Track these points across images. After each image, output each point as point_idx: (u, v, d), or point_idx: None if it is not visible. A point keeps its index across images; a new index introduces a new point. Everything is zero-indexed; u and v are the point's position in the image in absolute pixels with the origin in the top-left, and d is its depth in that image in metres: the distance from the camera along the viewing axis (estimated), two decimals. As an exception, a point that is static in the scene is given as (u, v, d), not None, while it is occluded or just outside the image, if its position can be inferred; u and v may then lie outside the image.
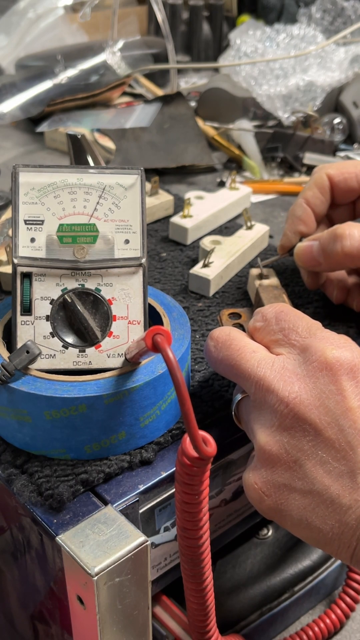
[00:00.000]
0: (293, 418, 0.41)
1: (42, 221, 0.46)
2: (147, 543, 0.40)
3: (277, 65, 0.99)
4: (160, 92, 1.07)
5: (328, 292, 0.61)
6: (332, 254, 0.55)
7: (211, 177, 0.89)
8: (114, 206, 0.47)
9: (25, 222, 0.46)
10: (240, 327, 0.58)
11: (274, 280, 0.61)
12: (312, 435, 0.40)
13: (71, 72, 1.00)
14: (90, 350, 0.46)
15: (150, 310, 0.50)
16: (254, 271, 0.62)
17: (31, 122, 0.99)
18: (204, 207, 0.74)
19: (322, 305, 0.61)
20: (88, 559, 0.39)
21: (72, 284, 0.46)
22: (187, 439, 0.37)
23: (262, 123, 0.98)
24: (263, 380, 0.42)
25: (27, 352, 0.44)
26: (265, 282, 0.60)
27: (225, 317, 0.59)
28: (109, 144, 0.90)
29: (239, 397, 0.46)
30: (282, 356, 0.43)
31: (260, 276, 0.61)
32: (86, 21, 1.02)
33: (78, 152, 0.72)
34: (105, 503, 0.43)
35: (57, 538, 0.40)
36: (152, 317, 0.50)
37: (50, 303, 0.46)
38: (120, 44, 1.05)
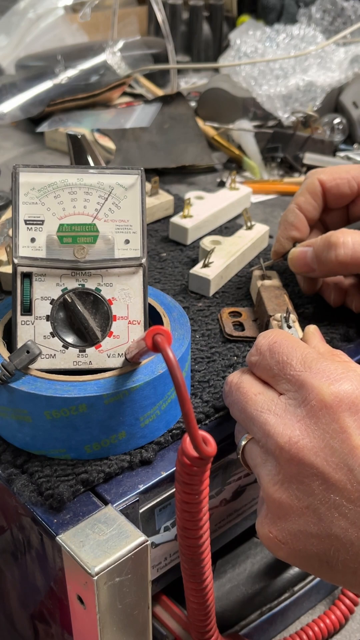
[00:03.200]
0: (297, 465, 0.39)
1: (42, 221, 0.46)
2: (147, 543, 0.40)
3: (277, 66, 0.99)
4: (160, 92, 1.07)
5: (326, 295, 0.61)
6: (326, 261, 0.55)
7: (211, 177, 0.89)
8: (114, 206, 0.47)
9: (26, 222, 0.46)
10: (240, 325, 0.58)
11: (275, 281, 0.61)
12: (320, 479, 0.39)
13: (71, 72, 1.00)
14: (90, 350, 0.46)
15: (150, 310, 0.50)
16: (257, 272, 0.62)
17: (31, 122, 0.99)
18: (204, 207, 0.74)
19: (322, 305, 0.61)
20: (88, 559, 0.39)
21: (72, 284, 0.46)
22: (187, 439, 0.37)
23: (262, 123, 0.98)
24: (265, 425, 0.41)
25: (27, 352, 0.44)
26: (267, 282, 0.60)
27: (225, 315, 0.59)
28: (109, 144, 0.90)
29: (243, 441, 0.44)
30: (284, 396, 0.42)
31: (263, 277, 0.61)
32: (86, 21, 1.02)
33: (78, 152, 0.72)
34: (106, 503, 0.43)
35: (57, 538, 0.40)
36: (152, 317, 0.50)
37: (51, 303, 0.46)
38: (120, 44, 1.05)
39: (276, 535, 0.40)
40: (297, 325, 0.55)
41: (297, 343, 0.45)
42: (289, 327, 0.54)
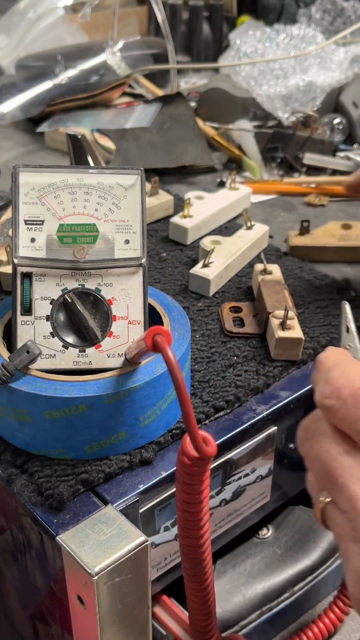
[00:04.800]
0: None
1: (42, 221, 0.46)
2: (147, 543, 0.40)
3: (277, 66, 0.99)
4: (160, 92, 1.07)
5: None
6: None
7: (211, 177, 0.89)
8: (114, 206, 0.47)
9: (26, 222, 0.46)
10: (240, 320, 0.58)
11: (276, 276, 0.61)
12: None
13: (71, 72, 1.00)
14: (90, 350, 0.46)
15: (150, 310, 0.50)
16: (259, 267, 0.62)
17: (31, 122, 0.99)
18: (204, 207, 0.74)
19: (322, 303, 0.61)
20: (88, 559, 0.39)
21: (72, 284, 0.46)
22: (187, 439, 0.37)
23: (262, 123, 0.98)
24: (356, 502, 0.34)
25: (27, 352, 0.44)
26: (268, 277, 0.61)
27: (226, 310, 0.59)
28: (109, 144, 0.90)
29: (322, 499, 0.37)
30: None
31: (264, 271, 0.61)
32: (86, 21, 1.02)
33: (78, 152, 0.72)
34: (106, 503, 0.43)
35: (57, 538, 0.40)
36: (152, 317, 0.50)
37: (51, 303, 0.46)
38: (120, 44, 1.05)
39: None
40: (295, 321, 0.55)
41: None
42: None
